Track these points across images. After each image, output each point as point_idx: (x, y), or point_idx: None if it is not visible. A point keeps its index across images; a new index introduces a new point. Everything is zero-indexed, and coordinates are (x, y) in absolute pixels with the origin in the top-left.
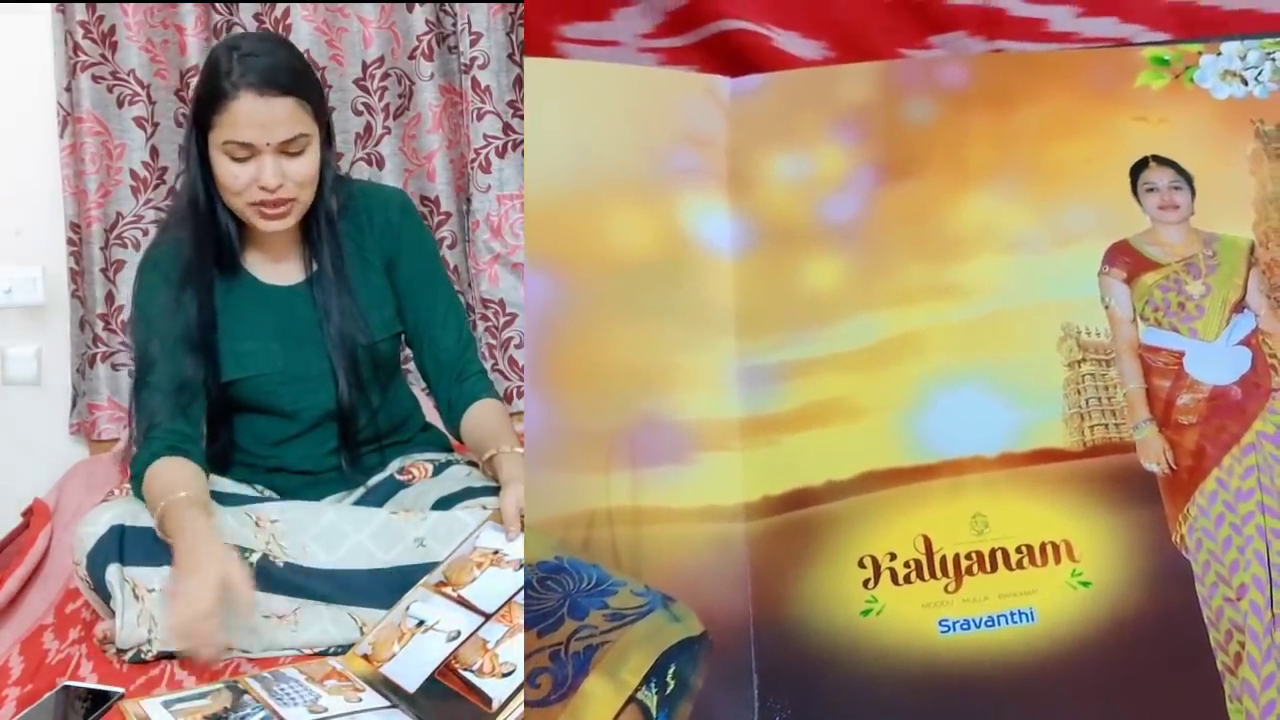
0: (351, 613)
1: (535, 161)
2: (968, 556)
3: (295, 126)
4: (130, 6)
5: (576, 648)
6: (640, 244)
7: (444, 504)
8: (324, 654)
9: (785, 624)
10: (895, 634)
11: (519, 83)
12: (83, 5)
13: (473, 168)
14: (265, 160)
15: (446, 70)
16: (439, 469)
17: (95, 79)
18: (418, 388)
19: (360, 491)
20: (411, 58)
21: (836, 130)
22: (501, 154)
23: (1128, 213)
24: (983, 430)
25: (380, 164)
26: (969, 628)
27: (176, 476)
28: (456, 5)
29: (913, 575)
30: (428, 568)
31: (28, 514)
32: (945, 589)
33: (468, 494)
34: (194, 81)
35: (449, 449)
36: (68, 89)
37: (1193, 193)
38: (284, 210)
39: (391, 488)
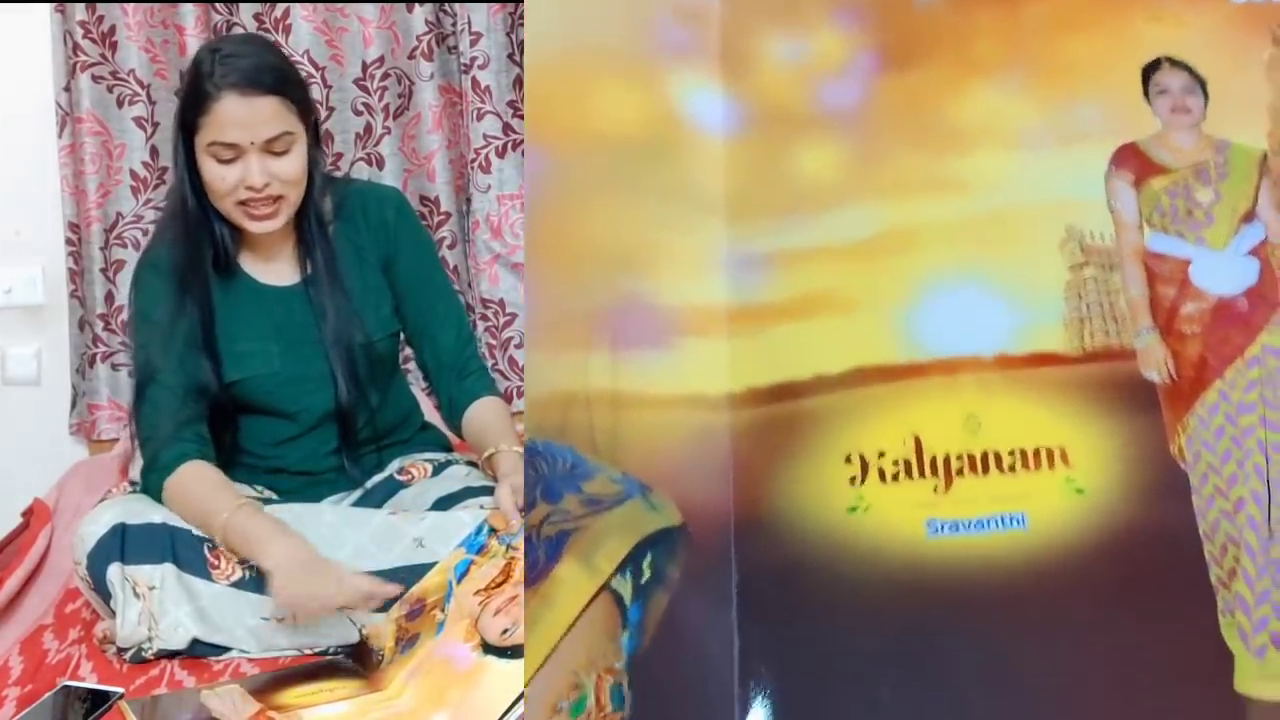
0: (350, 614)
1: (533, 33)
2: (959, 458)
3: (279, 125)
4: (130, 6)
5: (549, 531)
6: (628, 120)
7: (443, 503)
8: (323, 654)
9: (767, 518)
10: (881, 533)
11: (519, 83)
12: (83, 5)
13: (473, 168)
14: (251, 160)
15: (446, 70)
16: (438, 468)
17: (95, 79)
18: (417, 387)
19: (360, 492)
20: (411, 58)
21: (837, 13)
22: (501, 154)
23: (1138, 114)
24: (979, 331)
25: (380, 164)
26: (958, 530)
27: (215, 480)
28: (456, 5)
29: (901, 474)
30: (427, 567)
31: (28, 514)
32: (934, 490)
33: (467, 493)
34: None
35: (449, 448)
36: (67, 89)
37: (1206, 97)
38: (272, 210)
39: (391, 487)
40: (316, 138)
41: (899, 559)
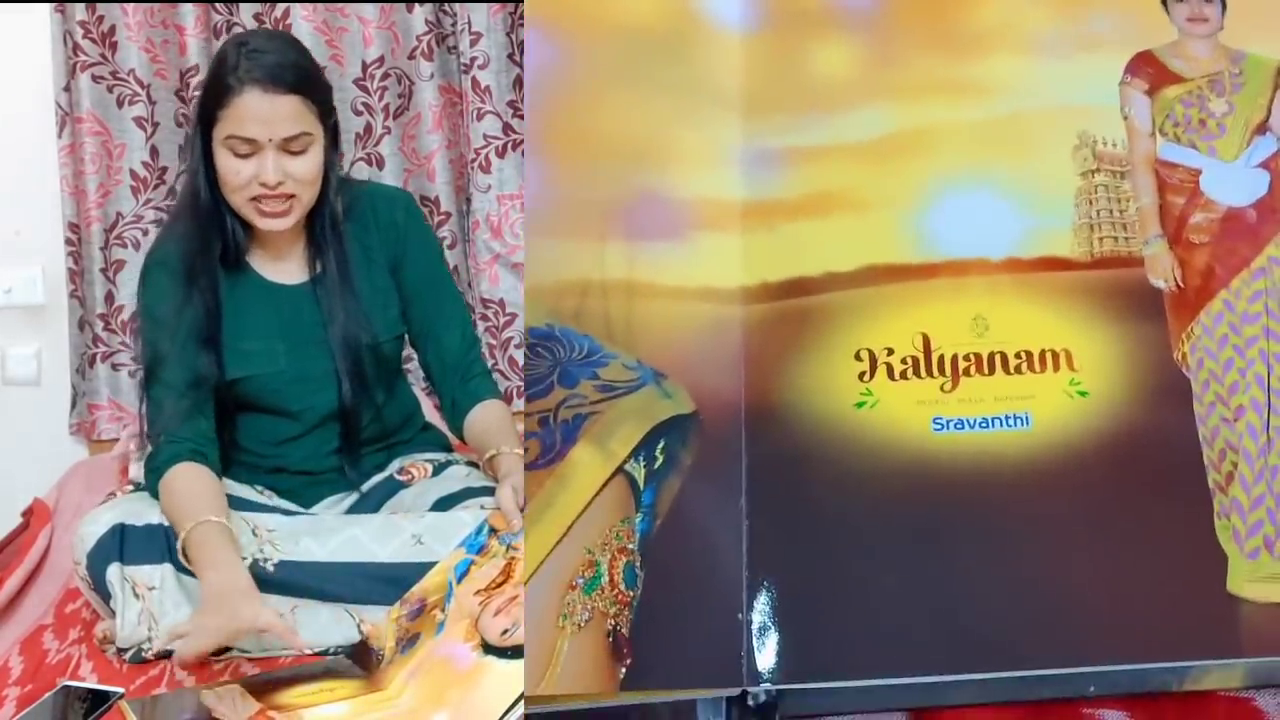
0: (350, 610)
1: None
2: (966, 358)
3: (298, 124)
4: (130, 6)
5: (565, 415)
6: (645, 11)
7: (443, 504)
8: (323, 654)
9: (777, 409)
10: (889, 428)
11: (519, 83)
12: (83, 5)
13: (473, 168)
14: (267, 157)
15: (446, 70)
16: (439, 469)
17: (95, 79)
18: (417, 387)
19: (358, 493)
20: (411, 58)
21: None
22: (501, 154)
23: (1154, 22)
24: (989, 233)
25: (380, 164)
26: (963, 427)
27: (197, 489)
28: (456, 5)
29: (909, 372)
30: (427, 566)
31: (27, 514)
32: (941, 388)
33: (467, 494)
34: (194, 81)
35: (449, 449)
36: (67, 89)
37: (1223, 7)
38: (284, 209)
39: (391, 488)
40: (335, 140)
41: (905, 454)
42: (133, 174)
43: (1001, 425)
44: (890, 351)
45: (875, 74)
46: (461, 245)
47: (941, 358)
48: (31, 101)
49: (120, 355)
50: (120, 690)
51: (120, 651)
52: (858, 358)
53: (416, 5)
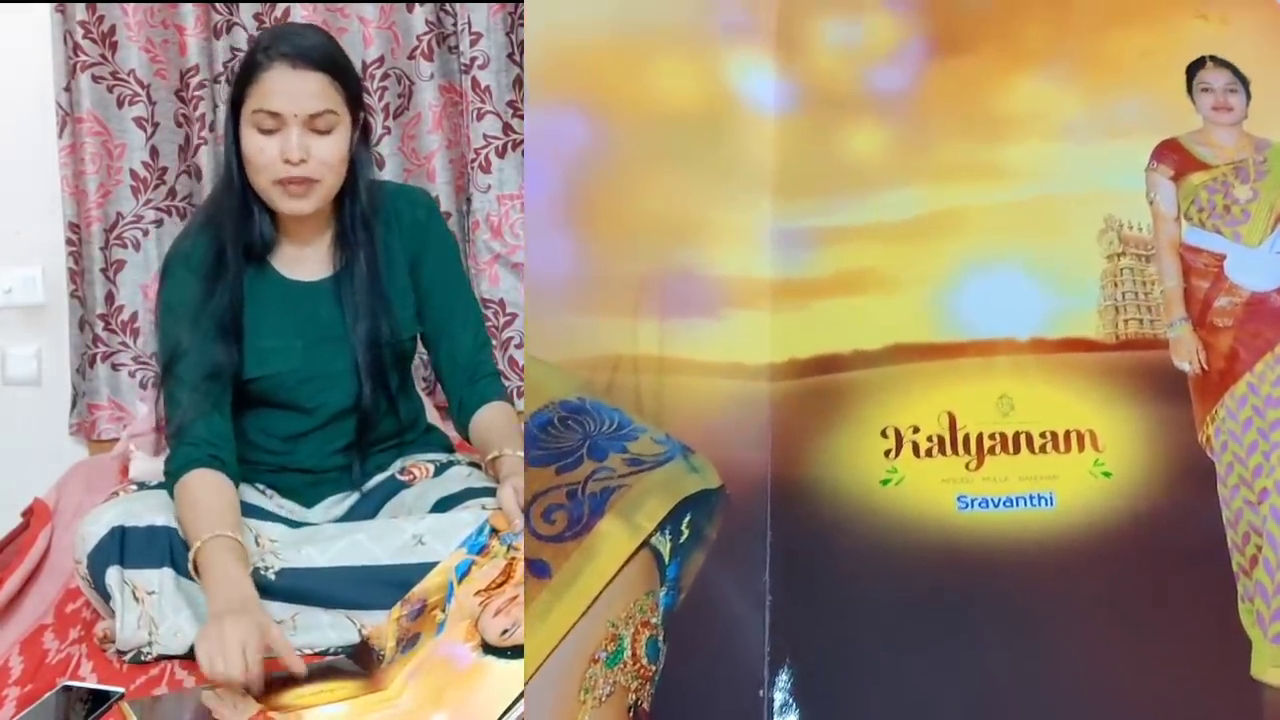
0: (351, 616)
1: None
2: (991, 436)
3: (323, 102)
4: (130, 6)
5: (594, 488)
6: (683, 94)
7: (444, 504)
8: (323, 654)
9: (803, 485)
10: (913, 506)
11: (519, 83)
12: (83, 5)
13: (473, 168)
14: (291, 132)
15: (446, 70)
16: (440, 469)
17: (95, 79)
18: (418, 388)
19: (359, 493)
20: (411, 58)
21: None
22: (501, 154)
23: (1180, 110)
24: (1016, 313)
25: (380, 164)
26: (987, 506)
27: (212, 499)
28: (456, 5)
29: (935, 450)
30: (427, 567)
31: (28, 514)
32: (966, 466)
33: (468, 494)
34: (194, 81)
35: (451, 449)
36: (67, 89)
37: (1248, 96)
38: (306, 189)
39: (392, 488)
40: (365, 138)
41: (929, 532)
42: (133, 174)
43: (1026, 505)
44: (916, 430)
45: (905, 157)
46: (461, 245)
47: (967, 436)
48: (32, 101)
49: (120, 355)
50: (120, 690)
51: (120, 653)
52: (884, 435)
53: (416, 5)
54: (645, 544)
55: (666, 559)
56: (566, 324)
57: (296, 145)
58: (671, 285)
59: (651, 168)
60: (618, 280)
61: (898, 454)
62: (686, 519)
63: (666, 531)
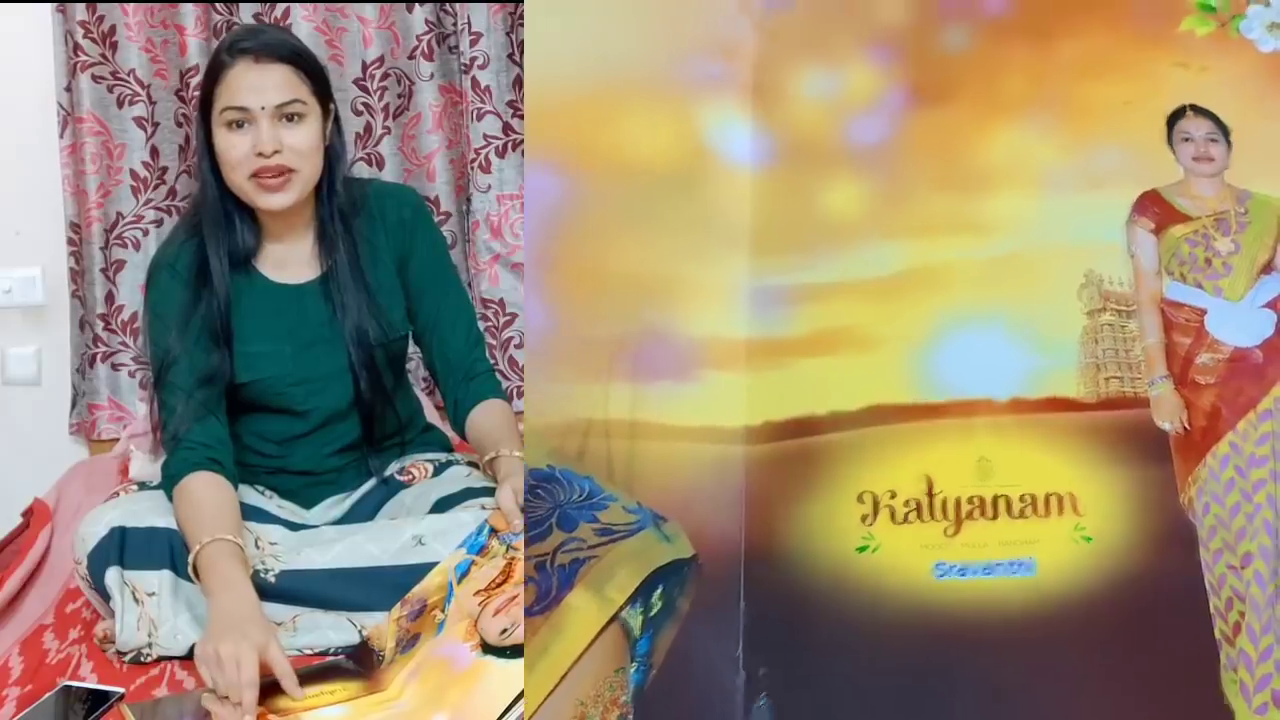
0: (351, 617)
1: (537, 52)
2: (970, 500)
3: (290, 92)
4: (130, 6)
5: (563, 560)
6: (655, 149)
7: (444, 504)
8: (324, 654)
9: (778, 554)
10: (890, 574)
11: (519, 83)
12: (83, 5)
13: (473, 168)
14: (261, 125)
15: (446, 70)
16: (439, 469)
17: (95, 79)
18: (417, 388)
19: (358, 494)
20: (411, 58)
21: (869, 50)
22: (501, 154)
23: (1160, 161)
24: (994, 373)
25: (380, 164)
26: (965, 574)
27: (212, 503)
28: (456, 5)
29: (912, 515)
30: (427, 567)
31: (27, 514)
32: (945, 532)
33: (468, 494)
34: (194, 81)
35: (450, 449)
36: (68, 89)
37: (1229, 146)
38: (282, 181)
39: (392, 488)
40: (338, 127)
41: (906, 600)
42: (133, 174)
43: (1005, 571)
44: (893, 494)
45: (884, 211)
46: (461, 245)
47: (945, 501)
48: (32, 101)
49: (120, 355)
50: (120, 690)
51: (120, 653)
52: (860, 500)
53: (416, 5)
54: (615, 618)
55: (637, 633)
56: (534, 389)
57: (267, 137)
58: (645, 346)
59: (623, 224)
60: (589, 341)
61: (874, 520)
62: (658, 590)
63: (638, 604)
